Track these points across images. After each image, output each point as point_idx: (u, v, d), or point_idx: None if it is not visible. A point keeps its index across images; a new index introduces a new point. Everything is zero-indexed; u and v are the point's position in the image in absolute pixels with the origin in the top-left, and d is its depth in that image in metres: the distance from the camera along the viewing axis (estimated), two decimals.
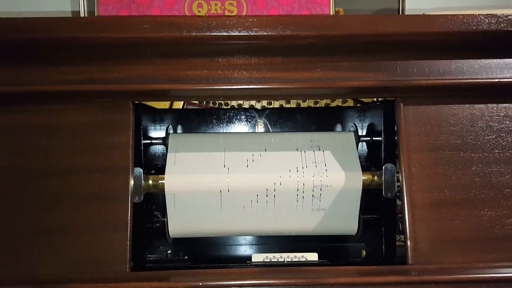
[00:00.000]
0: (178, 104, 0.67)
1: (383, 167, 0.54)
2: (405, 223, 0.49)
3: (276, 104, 0.67)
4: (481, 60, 0.50)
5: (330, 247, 0.61)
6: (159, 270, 0.49)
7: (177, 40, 0.47)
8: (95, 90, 0.48)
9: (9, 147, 0.50)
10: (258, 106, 0.67)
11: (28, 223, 0.48)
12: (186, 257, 0.56)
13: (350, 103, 0.66)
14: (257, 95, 0.52)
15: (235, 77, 0.48)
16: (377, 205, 0.57)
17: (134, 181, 0.50)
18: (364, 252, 0.60)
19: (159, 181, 0.54)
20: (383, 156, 0.54)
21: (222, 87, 0.48)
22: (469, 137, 0.52)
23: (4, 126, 0.50)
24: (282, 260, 0.53)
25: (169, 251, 0.58)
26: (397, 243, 0.55)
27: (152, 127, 0.62)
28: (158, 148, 0.65)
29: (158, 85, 0.48)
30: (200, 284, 0.45)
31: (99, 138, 0.50)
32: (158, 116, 0.64)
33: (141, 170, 0.52)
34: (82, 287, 0.46)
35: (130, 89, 0.48)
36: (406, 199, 0.50)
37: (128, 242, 0.48)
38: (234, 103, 0.66)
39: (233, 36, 0.47)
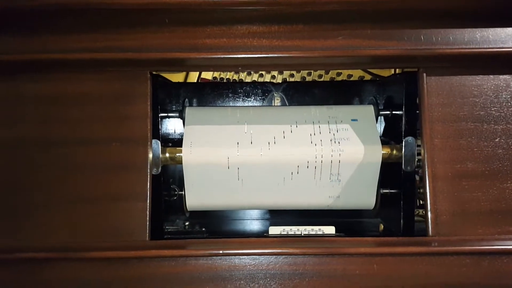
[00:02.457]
0: (193, 78, 0.67)
1: (404, 140, 0.53)
2: (426, 195, 0.48)
3: (297, 77, 0.66)
4: (508, 28, 0.48)
5: (346, 222, 0.61)
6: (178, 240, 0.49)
7: (195, 7, 0.46)
8: (111, 58, 0.47)
9: (27, 117, 0.49)
10: (279, 79, 0.66)
11: (48, 193, 0.49)
12: (203, 229, 0.57)
13: (368, 78, 0.65)
14: (277, 64, 0.51)
15: (254, 46, 0.47)
16: (395, 180, 0.56)
17: (152, 152, 0.50)
18: (381, 226, 0.59)
19: (177, 154, 0.54)
20: (403, 129, 0.53)
21: (240, 56, 0.47)
22: (493, 109, 0.50)
23: (21, 96, 0.50)
24: (299, 233, 0.53)
25: (186, 223, 0.58)
26: (415, 218, 0.55)
27: (167, 101, 0.61)
28: (172, 123, 0.65)
29: (176, 53, 0.47)
30: (221, 252, 0.46)
31: (116, 108, 0.49)
32: (173, 90, 0.63)
33: (159, 142, 0.53)
34: (102, 254, 0.46)
35: (147, 57, 0.47)
36: (428, 171, 0.49)
37: (147, 212, 0.48)
38: (250, 71, 0.65)
39: (252, 2, 0.45)
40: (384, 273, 0.46)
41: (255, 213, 0.66)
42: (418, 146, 0.53)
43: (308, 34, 0.47)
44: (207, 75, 0.68)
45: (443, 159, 0.49)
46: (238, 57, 0.47)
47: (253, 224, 0.65)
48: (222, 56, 0.47)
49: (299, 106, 0.59)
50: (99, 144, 0.49)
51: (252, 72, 0.68)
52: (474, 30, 0.49)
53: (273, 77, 0.68)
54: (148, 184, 0.49)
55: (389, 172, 0.56)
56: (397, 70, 0.63)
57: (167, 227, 0.57)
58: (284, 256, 0.46)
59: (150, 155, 0.49)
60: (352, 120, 0.53)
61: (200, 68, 0.57)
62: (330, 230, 0.54)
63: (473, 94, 0.50)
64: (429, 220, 0.48)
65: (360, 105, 0.63)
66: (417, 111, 0.53)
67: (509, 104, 0.50)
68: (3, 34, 0.48)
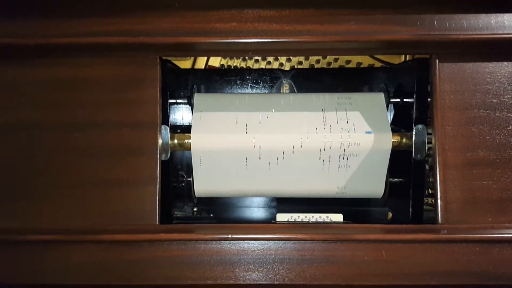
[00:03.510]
0: (200, 66, 0.67)
1: (414, 128, 0.52)
2: (436, 183, 0.48)
3: (305, 65, 0.65)
4: None
5: (354, 210, 0.60)
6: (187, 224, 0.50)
7: None
8: (121, 42, 0.47)
9: (38, 101, 0.50)
10: (287, 67, 0.65)
11: (59, 177, 0.49)
12: (211, 215, 0.57)
13: (378, 66, 0.64)
14: (287, 49, 0.50)
15: (264, 30, 0.47)
16: (404, 169, 0.56)
17: (161, 139, 0.50)
18: (390, 215, 0.59)
19: (185, 140, 0.54)
20: (414, 116, 0.53)
21: (251, 40, 0.47)
22: (505, 96, 0.49)
23: (32, 80, 0.50)
24: (307, 220, 0.53)
25: (195, 209, 0.58)
26: (424, 207, 0.55)
27: (176, 87, 0.61)
28: (180, 110, 0.64)
29: (186, 38, 0.47)
30: (230, 236, 0.46)
31: (126, 93, 0.49)
32: (181, 76, 0.63)
33: (168, 128, 0.52)
34: (113, 237, 0.47)
35: (157, 41, 0.47)
36: (438, 159, 0.48)
37: (157, 196, 0.48)
38: (258, 59, 0.65)
39: None
40: (393, 259, 0.46)
41: (262, 200, 0.66)
42: (428, 134, 0.53)
43: (319, 18, 0.47)
44: (215, 63, 0.68)
45: (454, 147, 0.49)
46: (248, 42, 0.47)
47: (260, 211, 0.66)
48: (232, 40, 0.47)
49: (308, 93, 0.59)
50: (109, 128, 0.49)
51: (259, 59, 0.68)
52: (488, 16, 0.48)
53: (281, 64, 0.67)
54: (158, 168, 0.49)
55: (398, 160, 0.56)
56: (407, 57, 0.62)
57: (175, 212, 0.57)
58: (292, 242, 0.47)
59: (160, 140, 0.49)
60: (367, 132, 0.52)
61: (210, 53, 0.56)
62: (337, 218, 0.54)
63: (486, 81, 0.50)
64: (439, 208, 0.48)
65: (370, 92, 0.63)
66: (428, 99, 0.52)
67: None
68: (14, 18, 0.48)
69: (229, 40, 0.47)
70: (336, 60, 0.66)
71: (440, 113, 0.49)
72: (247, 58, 0.67)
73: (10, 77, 0.50)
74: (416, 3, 0.47)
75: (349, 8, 0.47)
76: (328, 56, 0.66)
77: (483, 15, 0.48)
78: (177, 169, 0.60)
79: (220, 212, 0.63)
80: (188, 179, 0.58)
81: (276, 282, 0.47)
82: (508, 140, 0.49)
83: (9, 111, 0.50)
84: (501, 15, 0.48)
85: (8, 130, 0.49)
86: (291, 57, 0.67)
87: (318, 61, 0.66)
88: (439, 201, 0.48)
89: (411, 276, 0.46)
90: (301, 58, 0.67)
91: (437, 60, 0.49)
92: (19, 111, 0.50)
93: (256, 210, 0.66)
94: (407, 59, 0.62)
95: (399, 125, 0.59)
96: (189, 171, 0.58)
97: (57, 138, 0.49)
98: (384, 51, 0.58)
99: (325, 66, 0.65)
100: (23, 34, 0.48)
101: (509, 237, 0.47)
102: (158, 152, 0.49)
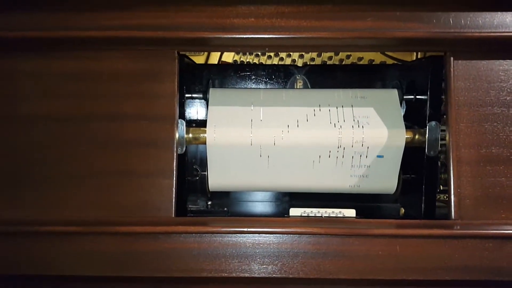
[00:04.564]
0: (214, 61, 0.67)
1: (428, 125, 0.53)
2: (450, 179, 0.49)
3: (317, 61, 0.65)
4: None
5: (366, 206, 0.61)
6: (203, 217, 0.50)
7: None
8: (140, 36, 0.48)
9: (57, 93, 0.50)
10: (299, 63, 0.66)
11: (76, 168, 0.50)
12: (225, 209, 0.58)
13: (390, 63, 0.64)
14: (304, 45, 0.50)
15: (282, 26, 0.48)
16: (416, 165, 0.56)
17: (178, 132, 0.51)
18: (402, 211, 0.60)
19: (201, 134, 0.54)
20: (428, 113, 0.53)
21: (268, 36, 0.48)
22: None
23: (50, 72, 0.50)
24: (320, 215, 0.54)
25: (209, 202, 0.59)
26: (437, 203, 0.56)
27: (191, 82, 0.61)
28: (195, 105, 0.65)
29: (204, 33, 0.48)
30: (246, 229, 0.47)
31: (144, 86, 0.50)
32: (197, 71, 0.63)
33: (184, 122, 0.53)
34: (129, 229, 0.47)
35: (175, 36, 0.48)
36: (452, 155, 0.49)
37: (173, 189, 0.49)
38: (270, 55, 0.65)
39: None
40: (407, 254, 0.47)
41: (275, 195, 0.67)
42: (442, 131, 0.53)
43: (336, 14, 0.47)
44: (228, 58, 0.68)
45: (468, 144, 0.49)
46: (266, 37, 0.48)
47: (273, 206, 0.66)
48: (250, 36, 0.48)
49: (322, 89, 0.59)
50: (127, 121, 0.50)
51: (272, 56, 0.69)
52: (504, 14, 0.48)
53: (293, 61, 0.68)
54: (175, 161, 0.49)
55: (411, 157, 0.56)
56: (419, 55, 0.63)
57: (189, 206, 0.58)
58: (307, 236, 0.47)
59: (177, 133, 0.50)
60: (378, 156, 0.53)
61: (228, 48, 0.57)
62: (350, 213, 0.54)
63: (500, 79, 0.50)
64: (452, 203, 0.48)
65: (384, 89, 0.63)
66: (442, 96, 0.53)
67: None
68: (34, 11, 0.48)
69: (247, 36, 0.48)
70: (348, 57, 0.67)
71: (455, 110, 0.49)
72: (260, 54, 0.68)
73: (28, 69, 0.51)
74: (432, 1, 0.48)
75: (366, 4, 0.47)
76: (340, 53, 0.67)
77: (499, 13, 0.48)
78: (192, 163, 0.61)
79: (233, 206, 0.64)
80: (203, 173, 0.58)
81: (291, 276, 0.47)
82: None
83: (28, 102, 0.50)
84: None
85: (27, 121, 0.50)
86: (303, 54, 0.68)
87: (330, 58, 0.67)
88: (452, 197, 0.48)
89: (425, 271, 0.47)
90: (314, 55, 0.68)
91: (451, 58, 0.50)
92: (38, 103, 0.50)
93: (269, 205, 0.66)
94: (419, 56, 0.62)
95: (411, 122, 0.59)
96: (203, 165, 0.59)
97: (75, 130, 0.50)
98: (400, 48, 0.58)
99: (337, 63, 0.66)
100: (43, 27, 0.49)
101: None
102: (175, 145, 0.50)
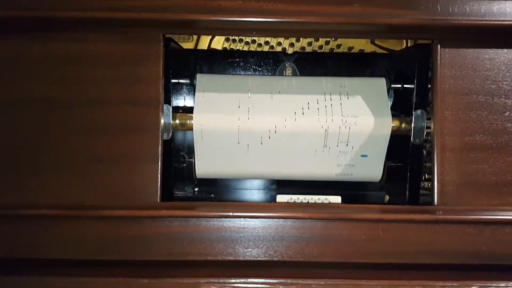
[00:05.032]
0: (203, 47, 0.67)
1: (414, 113, 0.53)
2: (434, 166, 0.49)
3: (308, 50, 0.65)
4: None
5: (352, 194, 0.62)
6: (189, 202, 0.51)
7: None
8: (124, 18, 0.47)
9: (38, 76, 0.49)
10: (289, 52, 0.66)
11: (60, 153, 0.49)
12: (212, 195, 0.58)
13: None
14: (291, 30, 0.50)
15: (269, 9, 0.47)
16: (402, 153, 0.57)
17: (163, 117, 0.50)
18: (387, 198, 0.60)
19: (187, 120, 0.54)
20: (414, 101, 0.53)
21: (255, 20, 0.47)
22: (504, 83, 0.50)
23: (32, 55, 0.49)
24: (306, 201, 0.54)
25: (196, 189, 0.59)
26: (421, 191, 0.56)
27: (178, 68, 0.61)
28: (183, 91, 0.64)
29: (190, 15, 0.47)
30: (231, 213, 0.47)
31: (129, 70, 0.49)
32: (184, 57, 0.63)
33: (170, 107, 0.53)
34: (115, 213, 0.47)
35: (160, 18, 0.47)
36: (436, 142, 0.49)
37: (159, 174, 0.49)
38: (261, 43, 0.65)
39: None
40: (389, 239, 0.48)
41: (263, 183, 0.67)
42: (427, 119, 0.54)
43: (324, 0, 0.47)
44: (217, 45, 0.68)
45: (452, 131, 0.50)
46: (252, 21, 0.47)
47: (261, 193, 0.66)
48: (237, 19, 0.47)
49: (311, 77, 0.59)
50: (111, 105, 0.49)
51: (262, 44, 0.68)
52: (491, 2, 0.48)
53: (284, 49, 0.68)
54: (160, 146, 0.49)
55: (397, 145, 0.57)
56: (409, 44, 0.63)
57: (176, 192, 0.58)
58: (292, 220, 0.48)
59: (162, 117, 0.50)
60: (362, 156, 0.54)
61: (214, 31, 0.56)
62: (336, 199, 0.55)
63: (485, 68, 0.50)
64: (435, 189, 0.49)
65: (372, 77, 0.63)
66: (428, 85, 0.53)
67: None
68: None
69: (233, 19, 0.47)
70: (338, 46, 0.67)
71: (440, 98, 0.50)
72: (249, 42, 0.68)
73: (10, 51, 0.49)
74: None
75: None
76: (331, 42, 0.67)
77: (486, 1, 0.48)
78: (179, 150, 0.61)
79: (221, 193, 0.64)
80: (190, 160, 0.58)
81: (275, 259, 0.48)
82: (504, 125, 0.50)
83: (10, 86, 0.49)
84: (503, 2, 0.48)
85: (6, 106, 0.49)
86: (294, 42, 0.68)
87: (321, 47, 0.67)
88: (435, 183, 0.49)
89: (407, 255, 0.48)
90: (304, 44, 0.68)
91: (438, 45, 0.50)
92: (18, 87, 0.49)
93: (257, 192, 0.67)
94: (409, 45, 0.63)
95: (399, 111, 0.60)
96: (190, 152, 0.59)
97: (58, 114, 0.49)
98: (387, 35, 0.57)
99: (319, 50, 0.65)
100: (24, 7, 0.47)
101: (501, 218, 0.48)
102: (160, 130, 0.50)
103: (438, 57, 0.50)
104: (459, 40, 0.50)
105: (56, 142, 0.49)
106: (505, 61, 0.50)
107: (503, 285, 0.46)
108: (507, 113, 0.50)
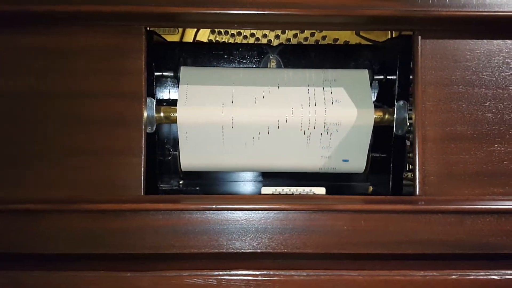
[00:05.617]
0: (188, 40, 0.66)
1: (396, 104, 0.54)
2: (415, 156, 0.50)
3: (293, 42, 0.65)
4: None
5: (336, 185, 0.62)
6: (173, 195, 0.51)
7: None
8: (106, 11, 0.47)
9: (20, 69, 0.49)
10: (275, 42, 0.65)
11: (42, 146, 0.49)
12: (197, 188, 0.58)
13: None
14: (272, 22, 0.50)
15: (251, 2, 0.47)
16: (385, 144, 0.57)
17: (147, 110, 0.50)
18: (370, 188, 0.61)
19: (171, 113, 0.54)
20: (396, 92, 0.54)
21: (237, 12, 0.47)
22: (484, 73, 0.51)
23: (13, 48, 0.49)
24: (291, 193, 0.55)
25: (181, 182, 0.59)
26: (404, 182, 0.57)
27: (162, 61, 0.60)
28: (168, 84, 0.64)
29: (172, 8, 0.47)
30: (214, 206, 0.47)
31: (111, 63, 0.49)
32: (168, 50, 0.62)
33: (153, 100, 0.52)
34: (98, 207, 0.47)
35: (142, 11, 0.46)
36: (418, 133, 0.50)
37: (142, 167, 0.49)
38: (246, 35, 0.65)
39: None
40: (371, 229, 0.48)
41: (248, 175, 0.67)
42: (410, 110, 0.54)
43: None
44: (203, 38, 0.67)
45: (433, 122, 0.50)
46: (234, 13, 0.47)
47: (247, 186, 0.67)
48: (219, 11, 0.47)
49: (295, 69, 0.59)
50: (93, 98, 0.49)
51: (248, 36, 0.68)
52: None
53: (270, 41, 0.68)
54: (143, 139, 0.49)
55: (380, 136, 0.57)
56: (393, 35, 0.63)
57: (161, 186, 0.58)
58: (275, 212, 0.48)
59: (145, 110, 0.49)
60: (344, 160, 0.54)
61: (196, 24, 0.56)
62: (320, 191, 0.55)
63: (465, 58, 0.51)
64: (417, 180, 0.50)
65: (355, 69, 0.63)
66: (411, 76, 0.53)
67: (500, 69, 0.51)
68: None
69: (215, 11, 0.47)
70: (324, 38, 0.67)
71: (421, 89, 0.50)
72: (235, 34, 0.68)
73: None
74: None
75: None
76: (316, 34, 0.67)
77: None
78: (164, 143, 0.60)
79: (206, 186, 0.64)
80: (175, 153, 0.58)
81: (258, 251, 0.48)
82: (485, 116, 0.51)
83: None
84: None
85: None
86: (279, 34, 0.68)
87: (306, 39, 0.67)
88: (417, 173, 0.50)
89: (389, 245, 0.48)
90: (290, 36, 0.68)
91: (419, 37, 0.50)
92: (6, 79, 0.49)
93: (243, 185, 0.67)
94: (394, 36, 0.63)
95: (383, 102, 0.60)
96: (175, 145, 0.59)
97: (40, 107, 0.49)
98: (368, 27, 0.58)
99: (304, 42, 0.65)
100: (8, 0, 0.47)
101: (482, 208, 0.49)
102: (143, 123, 0.49)
103: (419, 48, 0.50)
104: (439, 31, 0.50)
105: (38, 135, 0.49)
106: (485, 52, 0.51)
107: (483, 273, 0.47)
108: (487, 104, 0.51)
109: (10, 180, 0.48)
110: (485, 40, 0.50)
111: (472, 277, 0.46)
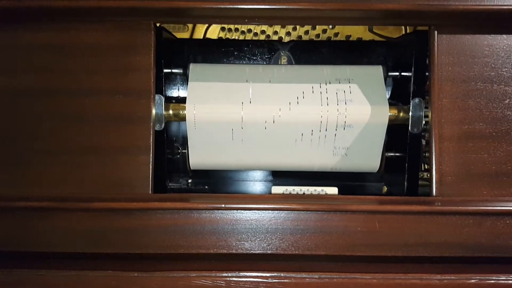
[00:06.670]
0: (198, 37, 0.65)
1: (411, 101, 0.52)
2: (432, 156, 0.48)
3: (304, 39, 0.64)
4: None
5: (349, 185, 0.61)
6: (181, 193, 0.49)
7: None
8: (115, 6, 0.46)
9: (30, 66, 0.49)
10: (286, 39, 0.64)
11: (51, 144, 0.48)
12: (206, 187, 0.57)
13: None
14: (285, 17, 0.49)
15: None
16: (400, 144, 0.55)
17: (155, 107, 0.50)
18: (385, 188, 0.59)
19: (180, 111, 0.53)
20: (411, 90, 0.52)
21: (248, 7, 0.46)
22: (503, 69, 0.49)
23: (25, 45, 0.48)
24: (302, 193, 0.53)
25: (189, 180, 0.58)
26: (420, 182, 0.55)
27: (172, 57, 0.60)
28: (177, 81, 0.63)
29: (181, 2, 0.46)
30: (223, 206, 0.46)
31: (120, 59, 0.48)
32: (178, 46, 0.62)
33: (162, 97, 0.52)
34: (105, 205, 0.47)
35: (151, 6, 0.46)
36: (434, 131, 0.48)
37: (150, 165, 0.48)
38: (257, 32, 0.64)
39: None
40: (386, 231, 0.46)
41: (258, 174, 0.66)
42: (426, 108, 0.53)
43: None
44: (213, 35, 0.67)
45: (450, 120, 0.48)
46: (245, 8, 0.46)
47: (257, 185, 0.65)
48: (229, 6, 0.46)
49: (306, 66, 0.58)
50: (102, 95, 0.48)
51: (258, 33, 0.67)
52: None
53: (281, 38, 0.67)
54: (151, 137, 0.48)
55: (395, 135, 0.56)
56: (408, 30, 0.61)
57: (170, 184, 0.57)
58: (286, 212, 0.47)
59: (154, 108, 0.49)
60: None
61: (206, 19, 0.55)
62: (332, 191, 0.53)
63: (484, 54, 0.49)
64: (434, 180, 0.48)
65: (369, 65, 0.61)
66: (426, 73, 0.52)
67: None
68: None
69: (225, 6, 0.46)
70: (336, 35, 0.65)
71: (438, 85, 0.49)
72: (245, 31, 0.67)
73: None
74: None
75: None
76: (328, 31, 0.66)
77: None
78: (172, 141, 0.60)
79: (216, 185, 0.63)
80: (184, 151, 0.57)
81: (269, 252, 0.47)
82: (504, 113, 0.49)
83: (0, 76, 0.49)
84: None
85: None
86: (290, 31, 0.67)
87: (318, 36, 0.65)
88: (434, 173, 0.48)
89: (404, 247, 0.46)
90: (301, 33, 0.67)
91: (435, 32, 0.49)
92: (8, 76, 0.49)
93: (252, 184, 0.66)
94: (408, 32, 0.61)
95: (398, 100, 0.58)
96: (185, 143, 0.58)
97: (49, 104, 0.48)
98: (383, 22, 0.56)
99: (317, 39, 0.64)
100: None
101: (502, 209, 0.47)
102: (152, 121, 0.49)
103: (436, 44, 0.49)
104: (456, 26, 0.48)
105: (46, 133, 0.49)
106: (504, 47, 0.49)
107: (504, 278, 0.45)
108: (507, 101, 0.49)
109: (17, 178, 0.48)
110: (504, 35, 0.49)
111: (492, 281, 0.44)
